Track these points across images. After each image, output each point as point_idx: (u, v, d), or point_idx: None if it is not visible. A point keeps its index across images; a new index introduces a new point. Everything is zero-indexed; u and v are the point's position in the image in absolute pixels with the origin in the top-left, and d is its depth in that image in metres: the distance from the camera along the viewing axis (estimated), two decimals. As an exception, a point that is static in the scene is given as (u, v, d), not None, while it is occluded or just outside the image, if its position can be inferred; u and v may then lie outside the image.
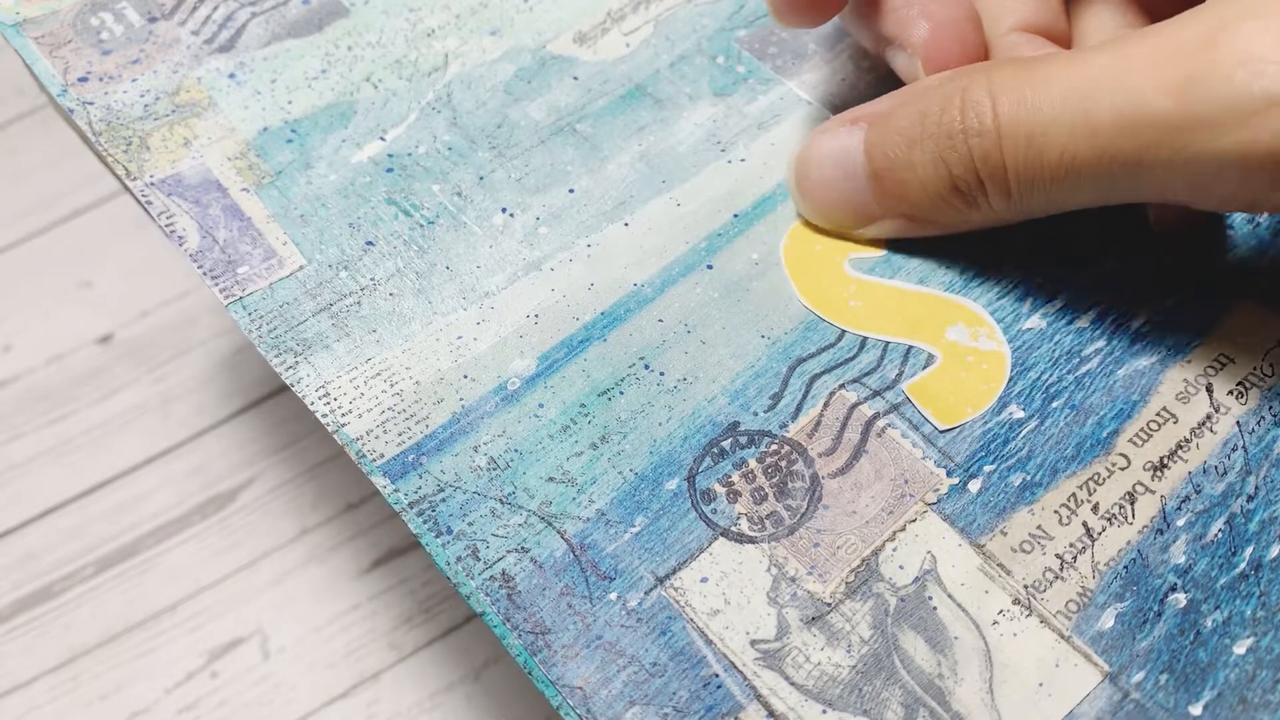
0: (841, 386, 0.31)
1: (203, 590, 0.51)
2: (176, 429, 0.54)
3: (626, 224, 0.34)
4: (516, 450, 0.30)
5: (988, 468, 0.30)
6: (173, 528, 0.52)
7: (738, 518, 0.29)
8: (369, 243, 0.33)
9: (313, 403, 0.30)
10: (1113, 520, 0.29)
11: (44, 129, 0.64)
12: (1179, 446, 0.30)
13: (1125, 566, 0.29)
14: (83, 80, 0.35)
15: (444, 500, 0.29)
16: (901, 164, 0.31)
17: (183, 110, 0.35)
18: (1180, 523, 0.29)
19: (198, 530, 0.52)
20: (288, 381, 0.31)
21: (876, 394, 0.31)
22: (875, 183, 0.32)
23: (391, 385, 0.31)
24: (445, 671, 0.49)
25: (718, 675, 0.27)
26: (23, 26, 0.36)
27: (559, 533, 0.29)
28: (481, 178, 0.35)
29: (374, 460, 0.30)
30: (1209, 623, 0.28)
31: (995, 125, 0.28)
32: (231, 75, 0.36)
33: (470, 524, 0.29)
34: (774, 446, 0.30)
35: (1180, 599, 0.28)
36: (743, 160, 0.35)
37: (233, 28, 0.37)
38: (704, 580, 0.29)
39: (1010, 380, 0.31)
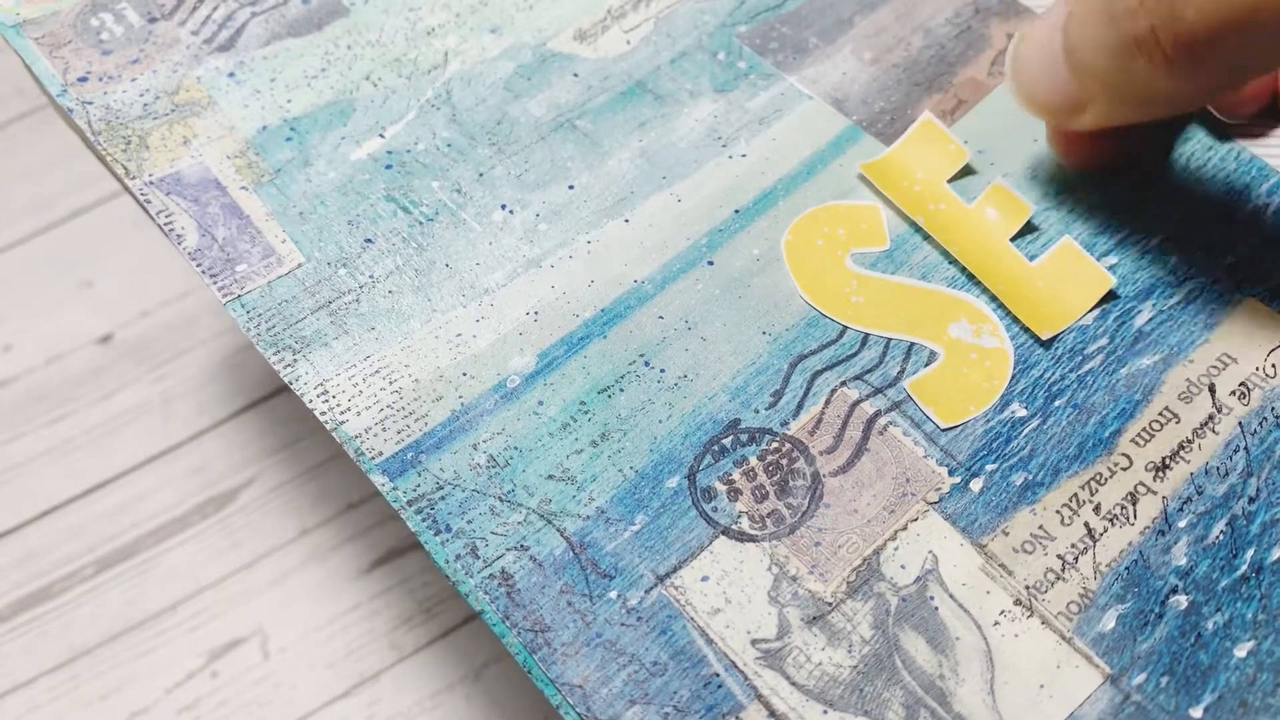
0: (843, 384, 0.31)
1: (203, 590, 0.51)
2: (176, 429, 0.54)
3: (627, 220, 0.34)
4: (516, 448, 0.30)
5: (989, 467, 0.30)
6: (173, 528, 0.52)
7: (738, 516, 0.29)
8: (368, 240, 0.33)
9: (311, 400, 0.30)
10: (1114, 521, 0.29)
11: (44, 129, 0.64)
12: (1181, 447, 0.30)
13: (1127, 568, 0.29)
14: (82, 80, 0.35)
15: (443, 498, 0.29)
16: (1089, 32, 0.29)
17: (182, 109, 0.35)
18: (1182, 524, 0.29)
19: (198, 530, 0.52)
20: (286, 379, 0.31)
21: (878, 391, 0.31)
22: (1069, 57, 0.29)
23: (390, 383, 0.31)
24: (445, 671, 0.49)
25: (718, 674, 0.27)
26: (23, 27, 0.36)
27: (559, 531, 0.29)
28: (481, 174, 0.34)
29: (373, 458, 0.30)
30: (1210, 625, 0.28)
31: None
32: (231, 74, 0.36)
33: (469, 522, 0.29)
34: (775, 444, 0.30)
35: (1181, 601, 0.28)
36: (744, 156, 0.35)
37: (232, 27, 0.37)
38: (705, 579, 0.28)
39: (1013, 378, 0.31)
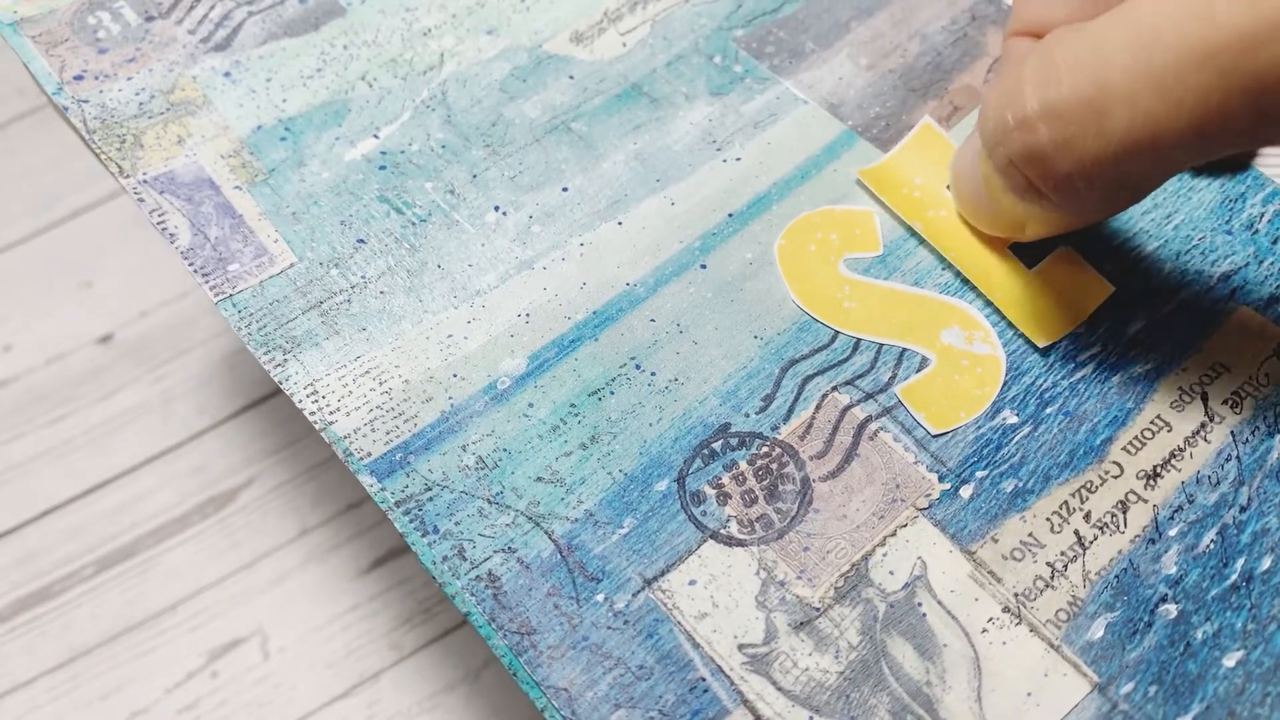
0: (834, 389, 0.31)
1: (203, 590, 0.50)
2: (176, 429, 0.54)
3: (620, 223, 0.34)
4: (505, 450, 0.30)
5: (980, 473, 0.30)
6: (173, 528, 0.52)
7: (727, 520, 0.29)
8: (360, 240, 0.33)
9: (301, 401, 0.30)
10: (1105, 529, 0.29)
11: (44, 129, 0.64)
12: (1172, 455, 0.30)
13: (1116, 576, 0.28)
14: (78, 79, 0.35)
15: (431, 499, 0.29)
16: (967, 177, 0.30)
17: (177, 108, 0.35)
18: (1172, 532, 0.29)
19: (198, 530, 0.52)
20: (276, 379, 0.31)
21: (869, 397, 0.31)
22: (991, 194, 0.30)
23: (380, 383, 0.31)
24: (445, 671, 0.49)
25: (705, 679, 0.27)
26: (20, 25, 0.36)
27: (547, 533, 0.29)
28: (475, 176, 0.34)
29: (361, 459, 0.30)
30: (1199, 634, 0.28)
31: (1041, 106, 0.26)
32: (227, 74, 0.36)
33: (457, 523, 0.29)
34: (765, 449, 0.30)
35: (1171, 610, 0.28)
36: (738, 160, 0.35)
37: (229, 26, 0.37)
38: (692, 583, 0.28)
39: (1005, 385, 0.31)
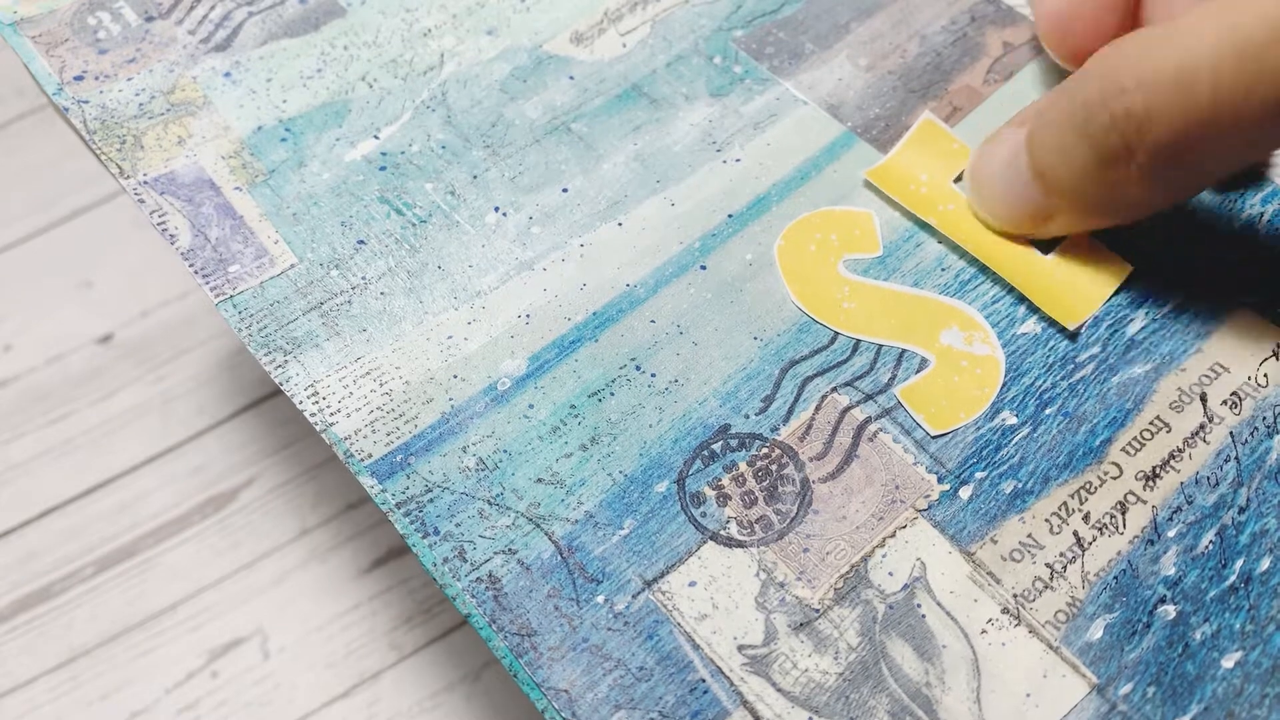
0: (834, 390, 0.31)
1: (203, 590, 0.51)
2: (176, 429, 0.54)
3: (620, 224, 0.34)
4: (505, 451, 0.30)
5: (979, 474, 0.30)
6: (173, 528, 0.52)
7: (727, 521, 0.29)
8: (360, 241, 0.33)
9: (301, 402, 0.30)
10: (1104, 530, 0.29)
11: (44, 129, 0.64)
12: (1172, 456, 0.30)
13: (1115, 577, 0.28)
14: (78, 79, 0.35)
15: (432, 501, 0.29)
16: (1055, 150, 0.30)
17: (178, 109, 0.35)
18: (1171, 534, 0.29)
19: (198, 530, 0.52)
20: (276, 380, 0.31)
21: (869, 398, 0.31)
22: (1038, 177, 0.31)
23: (381, 385, 0.31)
24: (445, 671, 0.49)
25: (704, 680, 0.27)
26: (20, 25, 0.36)
27: (547, 534, 0.29)
28: (475, 176, 0.34)
29: (362, 460, 0.30)
30: (1198, 635, 0.28)
31: (1136, 80, 0.27)
32: (227, 74, 0.36)
33: (458, 525, 0.29)
34: (765, 450, 0.30)
35: (1169, 611, 0.28)
36: (738, 161, 0.35)
37: (229, 27, 0.37)
38: (692, 584, 0.28)
39: (1004, 386, 0.31)
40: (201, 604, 0.50)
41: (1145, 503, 0.29)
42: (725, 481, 0.30)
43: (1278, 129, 0.26)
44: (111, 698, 0.48)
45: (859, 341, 0.32)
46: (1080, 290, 0.32)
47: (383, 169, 0.34)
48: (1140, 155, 0.28)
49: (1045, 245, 0.33)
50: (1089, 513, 0.29)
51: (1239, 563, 0.29)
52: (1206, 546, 0.29)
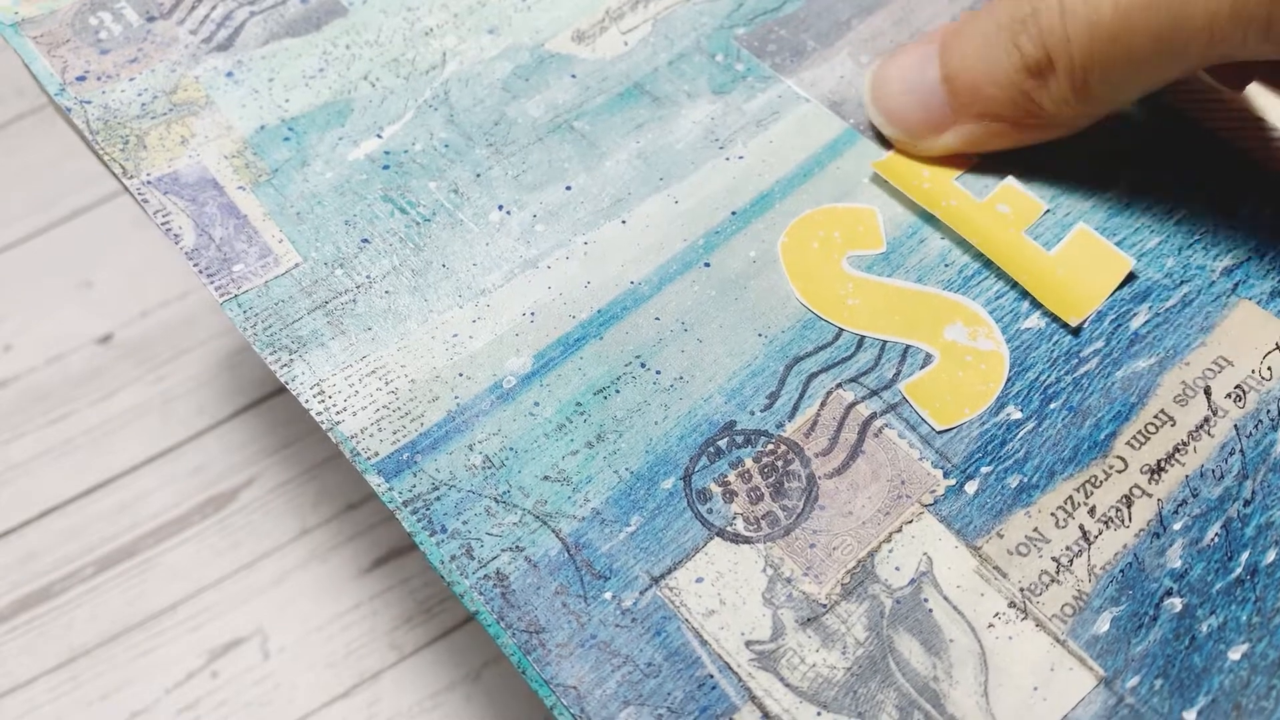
0: (839, 386, 0.31)
1: (203, 590, 0.51)
2: (176, 429, 0.54)
3: (624, 221, 0.34)
4: (512, 449, 0.30)
5: (985, 469, 0.30)
6: (173, 528, 0.52)
7: (733, 517, 0.29)
8: (365, 240, 0.33)
9: (307, 401, 0.30)
10: (1109, 523, 0.29)
11: (44, 129, 0.64)
12: (1176, 449, 0.30)
13: (1121, 570, 0.29)
14: (80, 79, 0.35)
15: (438, 499, 0.29)
16: (973, 59, 0.32)
17: (180, 109, 0.35)
18: (1177, 526, 0.29)
19: (198, 530, 0.52)
20: (282, 379, 0.31)
21: (874, 393, 0.31)
22: (948, 86, 0.33)
23: (386, 383, 0.31)
24: (445, 671, 0.49)
25: (712, 676, 0.27)
26: (21, 26, 0.36)
27: (554, 532, 0.29)
28: (478, 175, 0.34)
29: (368, 458, 0.30)
30: (1204, 628, 0.28)
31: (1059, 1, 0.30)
32: (229, 74, 0.36)
33: (465, 523, 0.29)
34: (770, 446, 0.30)
35: (1176, 604, 0.28)
36: (741, 158, 0.35)
37: (231, 26, 0.37)
38: (699, 580, 0.28)
39: (1008, 381, 0.31)
40: (201, 604, 0.50)
41: (1150, 496, 0.29)
42: (731, 478, 0.30)
43: (1172, 54, 0.29)
44: (111, 698, 0.48)
45: (863, 338, 0.32)
46: (1082, 286, 0.32)
47: (386, 168, 0.34)
48: (1060, 68, 0.30)
49: (1048, 240, 0.33)
50: (1094, 506, 0.29)
51: (1245, 555, 0.29)
52: (1212, 539, 0.29)
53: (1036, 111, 0.32)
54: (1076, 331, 0.32)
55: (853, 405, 0.31)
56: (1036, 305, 0.32)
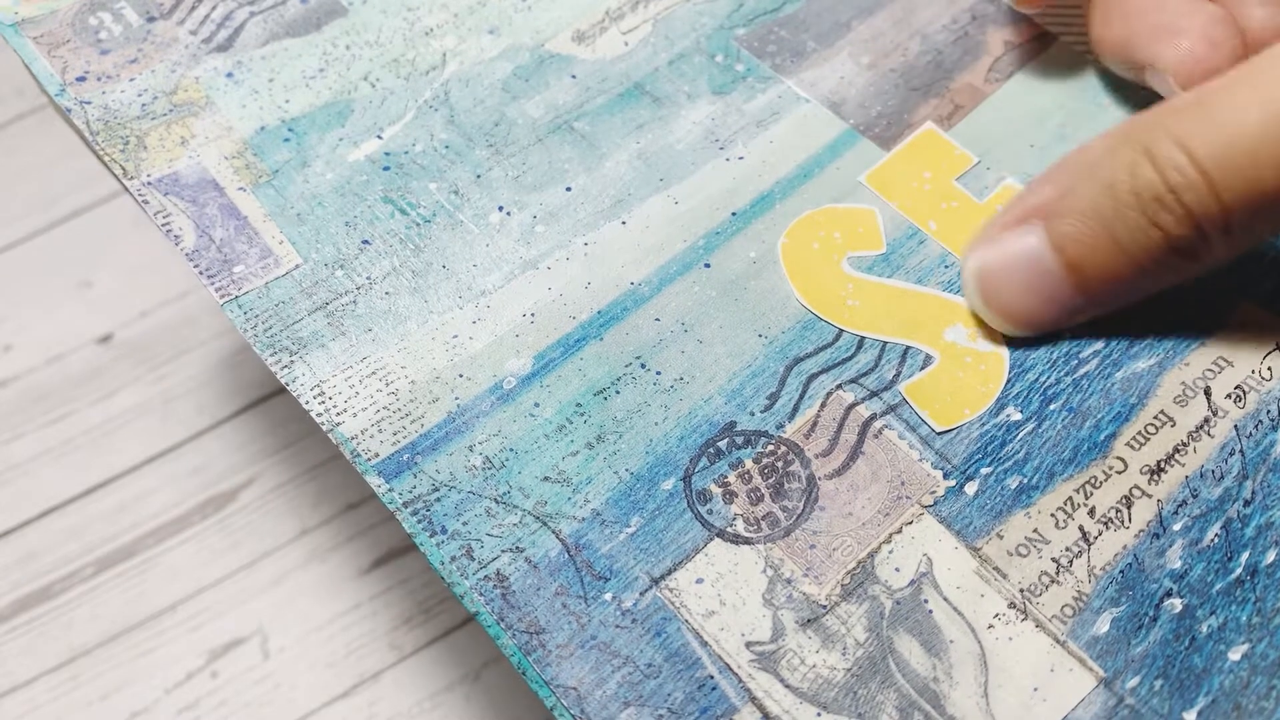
0: (839, 387, 0.31)
1: (203, 590, 0.51)
2: (176, 429, 0.54)
3: (624, 222, 0.34)
4: (512, 450, 0.30)
5: (985, 470, 0.30)
6: (173, 528, 0.52)
7: (734, 518, 0.29)
8: (365, 241, 0.33)
9: (308, 402, 0.30)
10: (1109, 524, 0.29)
11: (44, 129, 0.64)
12: (1176, 450, 0.30)
13: (1121, 571, 0.29)
14: (80, 80, 0.35)
15: (439, 500, 0.29)
16: (1103, 245, 0.29)
17: (180, 109, 0.35)
18: (1177, 527, 0.29)
19: (198, 530, 0.52)
20: (283, 380, 0.31)
21: (874, 394, 0.31)
22: (1074, 274, 0.30)
23: (387, 384, 0.31)
24: (445, 671, 0.49)
25: (713, 677, 0.27)
26: (21, 26, 0.36)
27: (554, 533, 0.29)
28: (478, 176, 0.34)
29: (368, 459, 0.30)
30: (1204, 628, 0.28)
31: (1202, 173, 0.27)
32: (229, 74, 0.36)
33: (465, 523, 0.29)
34: (770, 447, 0.30)
35: (1176, 604, 0.28)
36: (741, 159, 0.35)
37: (231, 27, 0.37)
38: (699, 581, 0.28)
39: (1008, 382, 0.31)
40: (201, 604, 0.50)
41: (1150, 497, 0.29)
42: (731, 479, 0.30)
43: None
44: (111, 698, 0.48)
45: (863, 339, 0.32)
46: None
47: (386, 169, 0.34)
48: (1215, 238, 0.28)
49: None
50: (1094, 507, 0.29)
51: (1245, 555, 0.29)
52: (1212, 540, 0.29)
53: (1186, 275, 0.30)
54: (1075, 334, 0.32)
55: (853, 406, 0.31)
56: None
